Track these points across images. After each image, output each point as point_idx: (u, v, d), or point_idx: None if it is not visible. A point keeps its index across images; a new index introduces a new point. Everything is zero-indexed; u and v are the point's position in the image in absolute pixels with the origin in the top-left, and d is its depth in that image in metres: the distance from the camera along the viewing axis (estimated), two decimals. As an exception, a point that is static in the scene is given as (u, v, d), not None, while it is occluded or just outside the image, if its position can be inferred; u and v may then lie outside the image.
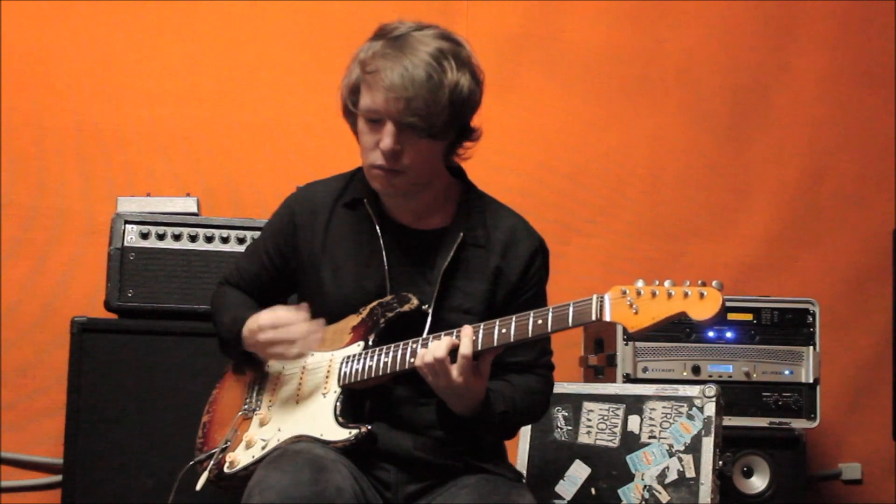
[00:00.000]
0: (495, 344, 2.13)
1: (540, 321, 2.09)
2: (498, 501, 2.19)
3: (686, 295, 1.99)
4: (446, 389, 2.15)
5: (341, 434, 2.20)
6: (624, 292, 2.02)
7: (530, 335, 2.10)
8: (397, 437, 2.26)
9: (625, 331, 2.09)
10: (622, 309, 2.02)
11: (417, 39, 2.23)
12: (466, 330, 2.13)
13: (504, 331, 2.12)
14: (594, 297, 2.05)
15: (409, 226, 2.37)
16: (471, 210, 2.39)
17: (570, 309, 2.07)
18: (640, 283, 2.02)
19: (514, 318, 2.12)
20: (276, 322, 2.27)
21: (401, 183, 2.27)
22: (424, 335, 2.24)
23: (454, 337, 2.14)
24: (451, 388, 2.14)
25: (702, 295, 1.98)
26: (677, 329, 3.43)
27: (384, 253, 2.33)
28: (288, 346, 2.27)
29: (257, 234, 2.65)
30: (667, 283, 2.01)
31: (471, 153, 2.38)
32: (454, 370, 2.12)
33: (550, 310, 2.10)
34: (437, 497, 2.24)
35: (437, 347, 2.13)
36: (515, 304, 2.32)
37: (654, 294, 2.01)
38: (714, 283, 1.99)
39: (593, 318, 2.04)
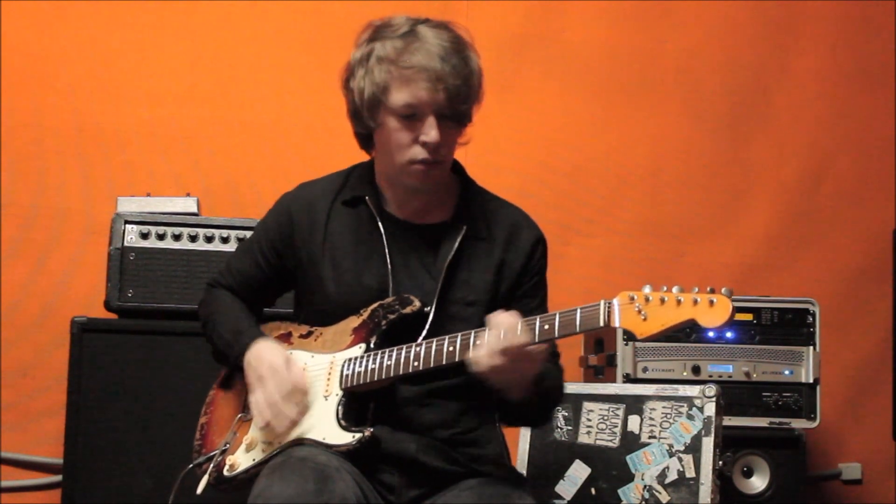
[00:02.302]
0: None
1: (546, 326, 2.08)
2: (500, 503, 2.18)
3: (696, 302, 1.97)
4: (511, 379, 2.12)
5: (344, 438, 2.18)
6: (632, 298, 2.00)
7: (537, 339, 2.09)
8: (401, 441, 2.25)
9: (633, 336, 2.07)
10: (630, 315, 2.00)
11: (430, 33, 2.25)
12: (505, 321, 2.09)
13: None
14: (602, 302, 2.03)
15: (410, 221, 2.37)
16: (471, 204, 2.39)
17: (578, 314, 2.05)
18: (647, 290, 2.00)
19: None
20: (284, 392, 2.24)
21: (438, 174, 2.29)
22: (424, 334, 2.24)
23: (499, 333, 2.09)
24: (522, 375, 2.12)
25: (711, 302, 1.97)
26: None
27: (386, 249, 2.33)
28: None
29: (257, 234, 2.64)
30: (675, 290, 1.99)
31: (466, 139, 2.37)
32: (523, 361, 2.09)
33: (558, 315, 2.08)
34: (439, 499, 2.23)
35: (489, 348, 2.08)
36: (518, 293, 2.34)
37: (662, 300, 1.99)
38: (723, 290, 1.98)
39: (601, 323, 2.03)
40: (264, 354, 2.28)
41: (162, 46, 3.76)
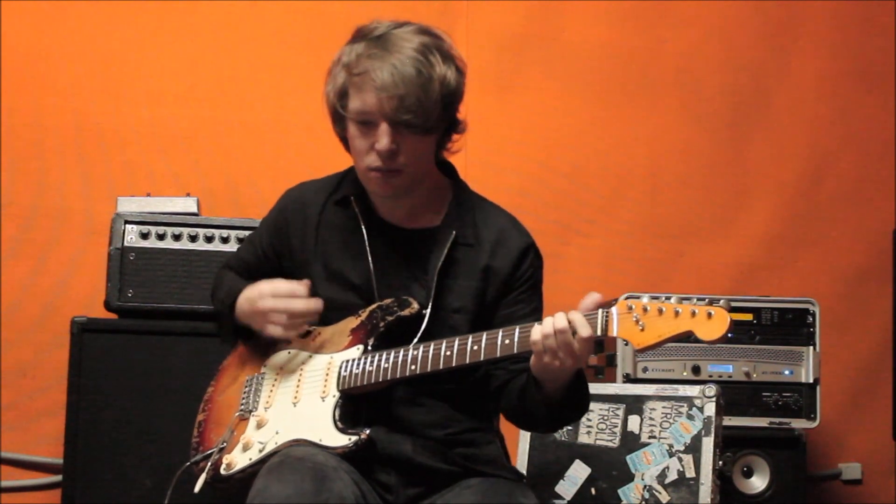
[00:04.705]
0: (498, 354, 2.13)
1: None
2: (503, 502, 2.19)
3: (693, 314, 1.96)
4: (562, 366, 2.09)
5: (341, 440, 2.19)
6: (630, 308, 2.00)
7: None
8: (397, 441, 2.25)
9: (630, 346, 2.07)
10: (628, 325, 2.00)
11: (399, 37, 2.23)
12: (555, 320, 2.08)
13: (507, 341, 2.13)
14: (600, 311, 2.04)
15: (399, 225, 2.37)
16: (461, 209, 2.38)
17: None
18: (645, 299, 2.00)
19: (517, 329, 2.12)
20: (276, 292, 2.29)
21: (399, 182, 2.27)
22: (419, 337, 2.24)
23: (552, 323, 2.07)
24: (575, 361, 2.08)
25: (709, 314, 1.96)
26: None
27: (368, 250, 2.33)
28: (285, 319, 2.28)
29: (257, 234, 2.65)
30: (673, 300, 1.98)
31: (459, 146, 2.38)
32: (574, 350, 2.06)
33: None
34: (440, 499, 2.23)
35: (546, 334, 2.06)
36: (508, 299, 2.32)
37: (660, 311, 1.98)
38: (721, 301, 1.97)
39: (599, 332, 2.03)
40: (256, 286, 2.34)
41: (162, 46, 3.76)
